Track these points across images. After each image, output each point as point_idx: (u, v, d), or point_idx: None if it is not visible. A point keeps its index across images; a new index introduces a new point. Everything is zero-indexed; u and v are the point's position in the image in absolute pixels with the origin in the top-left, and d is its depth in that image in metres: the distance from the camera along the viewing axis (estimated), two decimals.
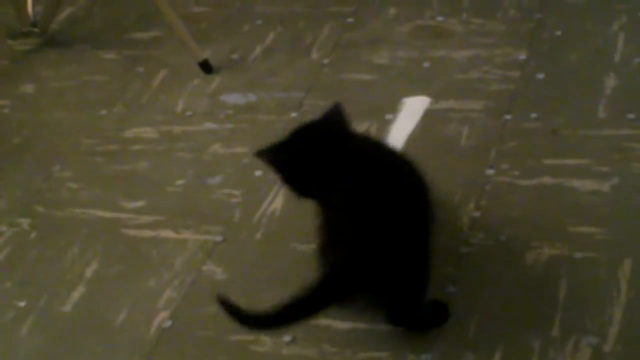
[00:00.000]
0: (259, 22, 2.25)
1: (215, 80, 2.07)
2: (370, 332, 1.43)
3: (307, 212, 1.45)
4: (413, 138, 1.80)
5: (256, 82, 2.04)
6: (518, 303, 1.43)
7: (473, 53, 1.99)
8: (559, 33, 2.00)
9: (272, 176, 1.49)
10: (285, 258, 1.59)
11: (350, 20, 2.18)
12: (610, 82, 1.83)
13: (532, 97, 1.84)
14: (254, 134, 1.89)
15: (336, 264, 1.32)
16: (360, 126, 1.80)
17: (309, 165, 1.42)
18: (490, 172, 1.68)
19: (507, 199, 1.62)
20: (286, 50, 2.13)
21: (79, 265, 1.66)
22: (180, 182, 1.81)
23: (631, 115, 1.74)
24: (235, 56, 2.14)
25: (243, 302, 1.29)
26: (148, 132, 1.96)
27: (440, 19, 2.12)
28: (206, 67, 2.09)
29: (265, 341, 1.45)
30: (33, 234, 1.76)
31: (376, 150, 1.47)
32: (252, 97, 2.00)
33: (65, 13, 2.43)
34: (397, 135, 1.80)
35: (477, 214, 1.60)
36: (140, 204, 1.77)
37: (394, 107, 1.88)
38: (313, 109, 1.86)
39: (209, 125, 1.94)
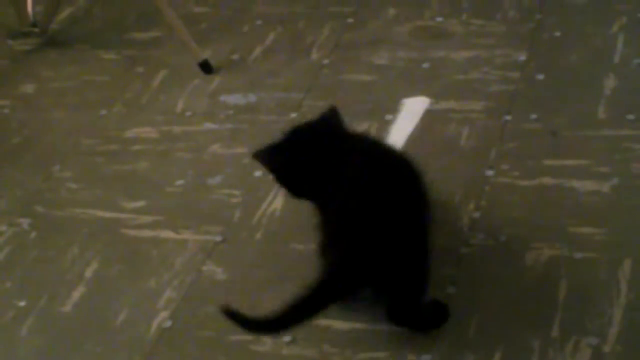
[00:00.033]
0: (259, 22, 2.24)
1: (215, 81, 2.07)
2: (370, 332, 1.43)
3: (307, 212, 1.44)
4: (413, 139, 1.80)
5: (256, 82, 2.04)
6: (518, 303, 1.43)
7: (473, 54, 1.99)
8: (558, 34, 2.00)
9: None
10: (285, 258, 1.59)
11: (350, 20, 2.18)
12: (610, 82, 1.83)
13: (532, 98, 1.84)
14: (254, 134, 1.88)
15: (336, 263, 1.32)
16: (360, 126, 1.80)
17: (304, 166, 1.42)
18: (490, 172, 1.68)
19: (507, 199, 1.62)
20: (286, 51, 2.12)
21: (79, 265, 1.66)
22: (180, 182, 1.81)
23: (631, 116, 1.74)
24: (235, 56, 2.14)
25: (243, 302, 1.29)
26: (148, 132, 1.96)
27: (440, 19, 2.12)
28: (206, 67, 2.09)
29: (265, 341, 1.44)
30: (33, 234, 1.76)
31: (374, 149, 1.47)
32: (252, 98, 2.00)
33: (65, 13, 2.43)
34: (397, 136, 1.80)
35: (477, 215, 1.60)
36: (140, 204, 1.77)
37: (393, 108, 1.88)
38: (313, 109, 1.86)
39: (209, 125, 1.94)
